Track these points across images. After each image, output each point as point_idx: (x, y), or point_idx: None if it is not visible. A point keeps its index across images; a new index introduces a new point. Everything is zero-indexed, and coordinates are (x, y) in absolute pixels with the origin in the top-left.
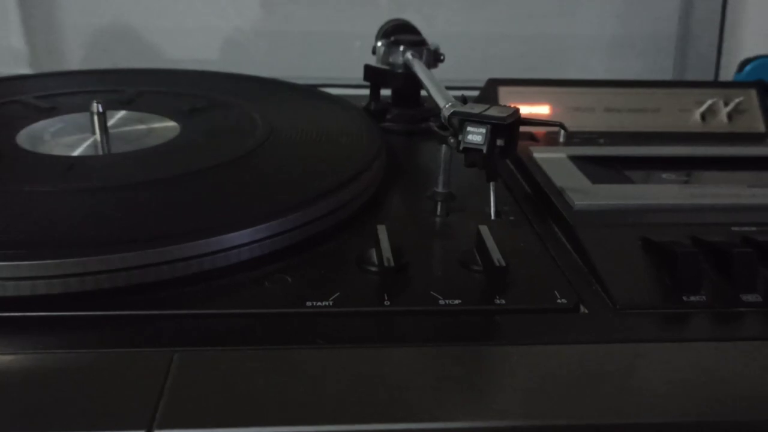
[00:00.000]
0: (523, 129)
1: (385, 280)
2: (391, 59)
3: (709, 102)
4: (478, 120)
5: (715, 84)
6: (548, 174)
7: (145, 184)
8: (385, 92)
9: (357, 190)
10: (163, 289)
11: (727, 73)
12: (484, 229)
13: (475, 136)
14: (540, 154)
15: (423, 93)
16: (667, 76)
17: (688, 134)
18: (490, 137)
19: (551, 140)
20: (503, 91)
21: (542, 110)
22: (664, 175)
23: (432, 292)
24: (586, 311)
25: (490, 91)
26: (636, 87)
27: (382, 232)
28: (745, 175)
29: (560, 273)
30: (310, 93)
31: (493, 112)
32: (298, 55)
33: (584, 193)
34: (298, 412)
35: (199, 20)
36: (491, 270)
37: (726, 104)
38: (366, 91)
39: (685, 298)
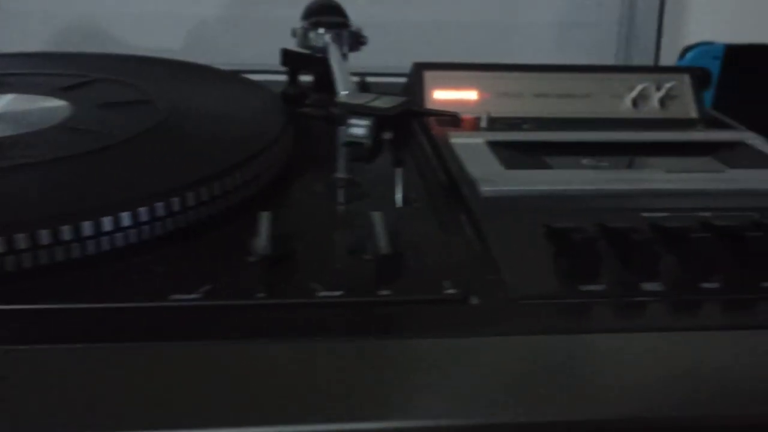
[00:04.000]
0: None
1: (262, 271)
2: (311, 42)
3: (639, 87)
4: (361, 112)
5: (648, 69)
6: (462, 160)
7: (15, 168)
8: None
9: (245, 176)
10: (23, 279)
11: (672, 61)
12: (375, 216)
13: (358, 128)
14: (457, 140)
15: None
16: (610, 61)
17: (618, 120)
18: (374, 130)
19: (474, 125)
20: (429, 76)
21: (469, 95)
22: (584, 161)
23: (313, 284)
24: (477, 302)
25: (416, 75)
26: (566, 72)
27: (264, 219)
28: (667, 160)
29: (456, 263)
30: (222, 77)
31: (379, 103)
32: (261, 42)
33: (494, 180)
34: (146, 418)
35: (158, 6)
36: (378, 259)
37: (658, 90)
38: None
39: (582, 287)
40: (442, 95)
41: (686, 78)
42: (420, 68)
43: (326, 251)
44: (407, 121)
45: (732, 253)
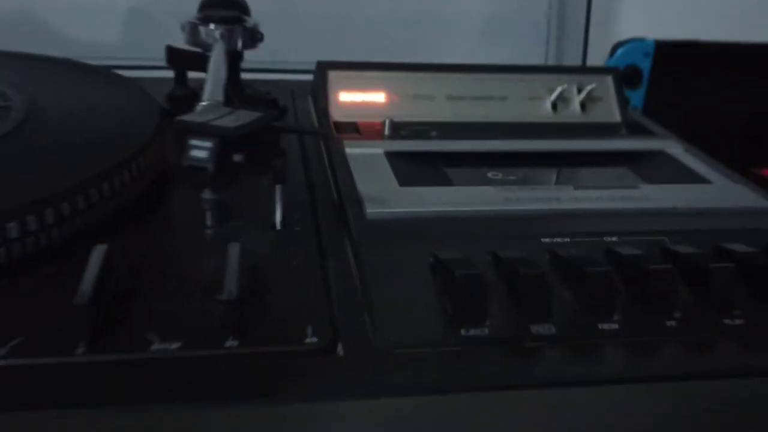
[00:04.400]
0: (347, 119)
1: (83, 319)
2: (201, 38)
3: (559, 89)
4: (202, 132)
5: (569, 69)
6: (354, 174)
7: None
8: None
9: (89, 198)
10: None
11: (601, 58)
12: (233, 247)
13: (200, 151)
14: (353, 149)
15: (251, 77)
16: (541, 60)
17: (535, 125)
18: (218, 152)
19: (376, 133)
20: (334, 76)
21: (377, 98)
22: (490, 174)
23: (149, 334)
24: (343, 353)
25: (320, 76)
26: (483, 72)
27: (97, 254)
28: (581, 172)
29: (326, 302)
30: (93, 73)
31: (228, 120)
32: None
33: (383, 199)
34: None
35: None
36: (226, 303)
37: (579, 92)
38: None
39: (464, 332)
40: (348, 97)
41: (609, 79)
42: (324, 68)
43: (175, 290)
44: (266, 139)
45: (633, 288)
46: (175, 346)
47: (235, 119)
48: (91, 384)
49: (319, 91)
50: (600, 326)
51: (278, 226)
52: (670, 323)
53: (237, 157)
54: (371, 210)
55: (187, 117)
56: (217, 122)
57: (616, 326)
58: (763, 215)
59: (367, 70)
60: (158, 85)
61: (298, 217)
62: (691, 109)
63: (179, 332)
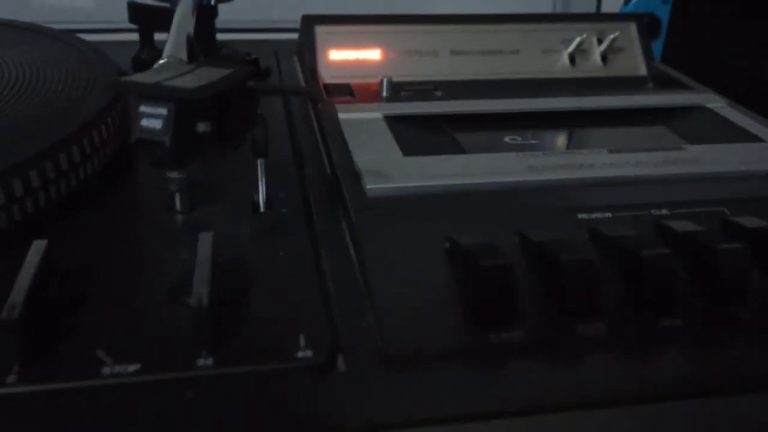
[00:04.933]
0: (339, 80)
1: (13, 339)
2: None
3: (578, 40)
4: (155, 95)
5: (588, 17)
6: (349, 143)
7: None
8: None
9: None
10: None
11: (615, 7)
12: (204, 238)
13: (152, 120)
14: (347, 114)
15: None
16: (548, 9)
17: (552, 81)
18: (175, 121)
19: (374, 95)
20: (322, 32)
21: (372, 55)
22: (507, 138)
23: (99, 353)
24: (344, 368)
25: (306, 32)
26: (490, 23)
27: (34, 252)
28: (612, 134)
29: (321, 304)
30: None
31: (188, 80)
32: None
33: (385, 172)
34: None
35: None
36: (195, 312)
37: (600, 42)
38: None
39: (493, 337)
40: (339, 56)
41: (632, 27)
42: (311, 23)
43: (133, 295)
44: (247, 102)
45: (697, 274)
46: (132, 368)
47: (196, 79)
48: (24, 421)
49: (305, 49)
50: (661, 323)
51: (261, 208)
52: (745, 315)
53: (202, 127)
54: (371, 186)
55: (135, 77)
56: (173, 82)
57: (680, 321)
58: None
59: (360, 24)
60: (124, 47)
61: (285, 196)
62: (714, 63)
63: (138, 350)
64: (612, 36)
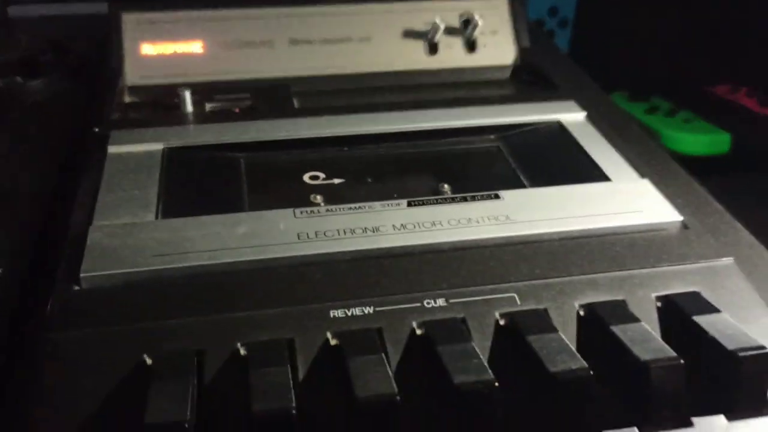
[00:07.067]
0: (149, 81)
1: None
2: None
3: (441, 24)
4: None
5: None
6: (99, 198)
7: None
8: None
9: None
10: None
11: None
12: None
13: None
14: (118, 148)
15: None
16: None
17: (409, 74)
18: None
19: (176, 107)
20: (131, 22)
21: (193, 48)
22: (308, 177)
23: None
24: None
25: (112, 21)
26: (336, 3)
27: None
28: (428, 167)
29: None
30: None
31: None
32: None
33: (116, 248)
34: None
35: None
36: None
37: (466, 25)
38: None
39: None
40: (151, 50)
41: (503, 5)
42: (117, 9)
43: None
44: None
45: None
46: None
47: None
48: None
49: (112, 42)
50: None
51: None
52: None
53: None
54: (88, 273)
55: None
56: None
57: None
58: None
59: (173, 10)
60: None
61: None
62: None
63: None
64: (478, 18)
